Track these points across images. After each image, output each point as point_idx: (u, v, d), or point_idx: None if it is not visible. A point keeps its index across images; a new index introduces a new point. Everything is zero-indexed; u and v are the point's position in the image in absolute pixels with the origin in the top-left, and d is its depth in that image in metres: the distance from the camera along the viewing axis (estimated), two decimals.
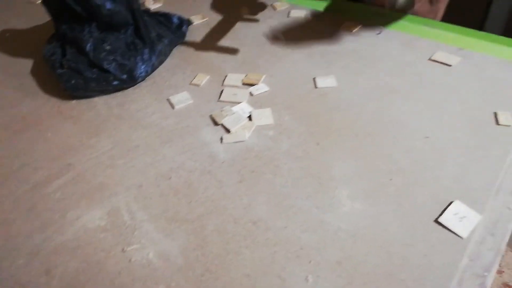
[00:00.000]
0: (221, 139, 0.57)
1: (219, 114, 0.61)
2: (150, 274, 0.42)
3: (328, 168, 0.52)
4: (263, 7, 0.86)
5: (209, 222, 0.47)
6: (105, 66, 0.63)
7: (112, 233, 0.46)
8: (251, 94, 0.65)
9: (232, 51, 0.74)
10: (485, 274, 0.44)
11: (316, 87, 0.65)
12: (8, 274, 0.43)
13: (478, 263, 0.44)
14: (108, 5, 0.63)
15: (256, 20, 0.82)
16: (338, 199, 0.48)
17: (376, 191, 0.49)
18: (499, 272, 1.37)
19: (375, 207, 0.47)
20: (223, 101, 0.64)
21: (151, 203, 0.49)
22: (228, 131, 0.58)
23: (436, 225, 0.45)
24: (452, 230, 0.44)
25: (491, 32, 0.76)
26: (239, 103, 0.63)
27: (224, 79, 0.68)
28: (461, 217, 0.45)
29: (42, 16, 0.86)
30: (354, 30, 0.76)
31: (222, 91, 0.65)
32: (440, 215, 0.46)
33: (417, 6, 0.83)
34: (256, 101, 0.63)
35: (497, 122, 0.57)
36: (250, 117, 0.60)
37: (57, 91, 0.67)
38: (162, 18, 0.77)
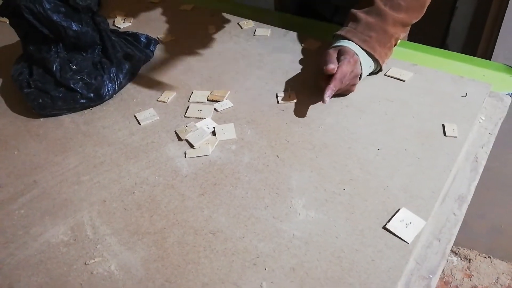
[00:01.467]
0: (185, 154, 0.59)
1: (184, 130, 0.63)
2: (111, 286, 0.44)
3: (286, 179, 0.55)
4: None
5: (170, 234, 0.49)
6: (72, 85, 0.65)
7: (75, 248, 0.48)
8: (216, 110, 0.67)
9: (198, 68, 0.76)
10: (430, 276, 0.47)
11: (278, 102, 0.68)
12: None
13: (424, 266, 0.48)
14: (74, 27, 0.65)
15: (223, 39, 0.85)
16: (294, 208, 0.51)
17: (330, 200, 0.52)
18: (469, 276, 1.42)
19: (328, 215, 0.50)
20: (189, 117, 0.66)
21: (114, 218, 0.51)
22: (192, 146, 0.60)
23: (384, 231, 0.48)
24: (398, 235, 0.48)
25: (452, 49, 0.81)
26: (204, 118, 0.65)
27: (190, 96, 0.70)
28: (407, 223, 0.49)
29: (11, 36, 0.87)
30: (314, 48, 0.80)
31: (188, 108, 0.68)
32: (388, 222, 0.49)
33: None
34: (221, 117, 0.66)
35: (444, 134, 0.61)
36: (214, 132, 0.63)
37: (25, 110, 0.68)
38: (131, 37, 0.79)
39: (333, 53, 0.66)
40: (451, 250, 1.50)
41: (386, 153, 0.58)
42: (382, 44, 0.68)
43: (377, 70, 0.72)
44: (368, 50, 0.67)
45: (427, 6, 0.72)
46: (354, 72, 0.66)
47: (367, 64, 0.68)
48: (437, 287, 1.40)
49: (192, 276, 0.44)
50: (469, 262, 1.46)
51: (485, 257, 1.46)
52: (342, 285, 0.43)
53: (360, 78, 0.68)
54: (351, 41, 0.67)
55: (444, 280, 1.42)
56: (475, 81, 0.70)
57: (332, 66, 0.62)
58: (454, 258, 1.48)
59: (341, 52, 0.66)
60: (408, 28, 0.76)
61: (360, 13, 0.69)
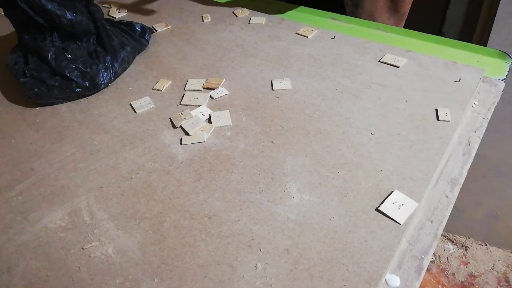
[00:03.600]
0: (181, 140, 0.60)
1: (179, 117, 0.63)
2: (108, 268, 0.45)
3: (281, 164, 0.55)
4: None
5: (166, 218, 0.50)
6: (67, 74, 0.65)
7: (73, 232, 0.48)
8: (211, 97, 0.68)
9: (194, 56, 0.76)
10: (422, 256, 0.48)
11: (272, 89, 0.68)
12: None
13: (416, 246, 0.48)
14: (69, 15, 0.65)
15: (218, 27, 0.85)
16: (288, 192, 0.52)
17: (324, 183, 0.52)
18: (465, 263, 1.43)
19: (321, 198, 0.51)
20: (184, 105, 0.66)
21: (111, 203, 0.52)
22: (187, 133, 0.61)
23: (377, 213, 0.49)
24: (391, 217, 0.48)
25: (448, 36, 0.81)
26: (199, 106, 0.66)
27: (186, 84, 0.71)
28: (399, 205, 0.49)
29: (5, 27, 0.87)
30: (310, 35, 0.80)
31: (183, 95, 0.68)
32: (381, 204, 0.50)
33: (381, 20, 0.87)
34: (216, 104, 0.66)
35: (437, 118, 0.61)
36: (209, 120, 0.63)
37: (21, 99, 0.68)
38: (126, 26, 0.79)
39: None
40: (448, 238, 1.51)
41: (380, 137, 0.58)
42: None
43: None
44: None
45: None
46: None
47: None
48: (434, 275, 1.41)
49: (188, 259, 0.45)
50: (466, 249, 1.47)
51: (481, 245, 1.47)
52: (336, 264, 0.44)
53: None
54: None
55: (441, 267, 1.43)
56: (468, 67, 0.70)
57: None
58: (451, 246, 1.49)
59: None
60: None
61: None
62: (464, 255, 1.46)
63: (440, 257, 1.46)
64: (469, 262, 1.44)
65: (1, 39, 0.87)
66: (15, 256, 0.46)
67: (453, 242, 1.50)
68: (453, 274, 1.41)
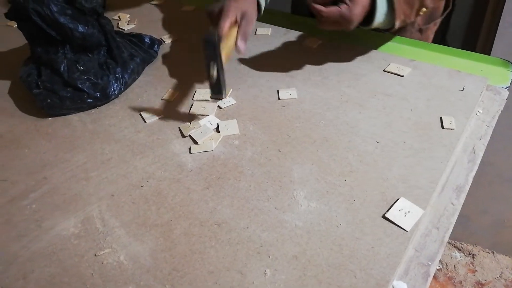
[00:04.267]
0: (190, 149, 0.61)
1: (188, 127, 0.65)
2: (120, 275, 0.46)
3: (288, 172, 0.56)
4: None
5: (177, 226, 0.51)
6: (79, 85, 0.67)
7: (86, 240, 0.50)
8: (219, 107, 0.69)
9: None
10: (429, 263, 0.48)
11: (279, 99, 0.70)
12: None
13: (423, 253, 0.49)
14: (81, 28, 0.67)
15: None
16: (296, 200, 0.53)
17: (331, 191, 0.53)
18: (472, 271, 1.43)
19: (329, 205, 0.51)
20: (193, 114, 0.68)
21: (122, 211, 0.53)
22: (196, 142, 0.62)
23: (383, 220, 0.50)
24: (397, 224, 0.49)
25: (452, 45, 0.82)
26: (207, 115, 0.67)
27: (194, 94, 0.72)
28: (405, 212, 0.50)
29: (18, 40, 0.89)
30: (315, 46, 0.82)
31: (192, 105, 0.70)
32: (387, 211, 0.50)
33: (407, 35, 0.87)
34: (224, 114, 0.68)
35: (442, 126, 0.62)
36: (217, 129, 0.65)
37: (34, 109, 0.70)
38: (135, 38, 0.81)
39: None
40: (455, 246, 1.51)
41: (385, 146, 0.59)
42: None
43: (389, 25, 0.68)
44: None
45: None
46: (348, 16, 0.63)
47: (382, 11, 0.65)
48: (441, 283, 1.41)
49: (199, 265, 0.46)
50: (473, 257, 1.47)
51: (489, 252, 1.47)
52: (343, 271, 0.45)
53: (371, 22, 0.66)
54: None
55: (448, 275, 1.43)
56: (472, 75, 0.71)
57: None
58: (458, 254, 1.49)
59: None
60: (441, 2, 0.72)
61: None
62: (471, 263, 1.45)
63: (447, 265, 1.45)
64: (477, 270, 1.43)
65: (13, 51, 0.89)
66: (30, 263, 0.48)
67: (460, 250, 1.50)
68: (461, 282, 1.41)
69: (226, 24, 0.65)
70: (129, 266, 0.46)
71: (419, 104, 0.66)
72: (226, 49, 0.64)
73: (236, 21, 0.68)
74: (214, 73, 0.60)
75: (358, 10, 0.63)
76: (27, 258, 0.48)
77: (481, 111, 0.68)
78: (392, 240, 0.47)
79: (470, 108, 0.65)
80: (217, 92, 0.62)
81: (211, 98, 0.64)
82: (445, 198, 0.55)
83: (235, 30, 0.68)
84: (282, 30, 0.88)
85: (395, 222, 0.49)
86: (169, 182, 0.56)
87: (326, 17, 0.64)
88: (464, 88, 0.69)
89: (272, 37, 0.86)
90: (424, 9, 0.71)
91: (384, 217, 0.50)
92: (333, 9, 0.63)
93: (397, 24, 0.67)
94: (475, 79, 0.70)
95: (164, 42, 0.87)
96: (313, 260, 0.46)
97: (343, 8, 0.63)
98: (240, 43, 0.66)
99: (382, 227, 0.49)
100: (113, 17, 0.98)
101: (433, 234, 0.51)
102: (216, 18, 0.68)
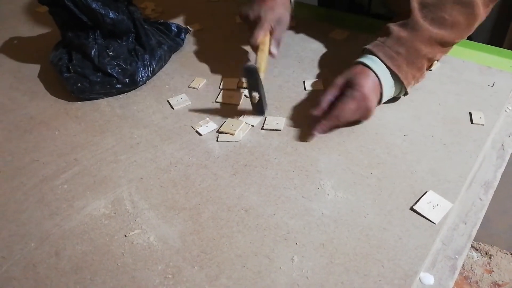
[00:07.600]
0: (217, 137, 0.62)
1: (216, 117, 0.65)
2: (150, 255, 0.47)
3: (315, 162, 0.57)
4: None
5: (205, 210, 0.51)
6: (109, 70, 0.68)
7: (116, 220, 0.51)
8: (246, 96, 0.69)
9: (228, 57, 0.78)
10: (456, 257, 0.48)
11: (305, 89, 0.70)
12: (21, 256, 0.47)
13: (450, 247, 0.49)
14: (111, 15, 0.68)
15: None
16: (322, 189, 0.53)
17: (358, 182, 0.53)
18: (489, 271, 1.41)
19: (356, 196, 0.52)
20: (220, 103, 0.68)
21: (151, 194, 0.54)
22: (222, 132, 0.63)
23: (412, 212, 0.50)
24: (425, 216, 0.49)
25: (478, 41, 0.80)
26: (235, 105, 0.68)
27: (221, 83, 0.72)
28: (434, 205, 0.50)
29: (47, 25, 0.91)
30: (341, 38, 0.81)
31: (218, 94, 0.70)
32: (415, 203, 0.50)
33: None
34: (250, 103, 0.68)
35: (471, 121, 0.61)
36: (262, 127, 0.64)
37: (63, 93, 0.72)
38: (162, 26, 0.82)
39: (337, 85, 0.60)
40: (472, 245, 1.49)
41: (413, 139, 0.59)
42: (410, 63, 0.59)
43: (402, 94, 0.64)
44: (392, 68, 0.59)
45: (476, 25, 0.62)
46: (362, 108, 0.58)
47: (389, 84, 0.60)
48: (457, 282, 1.40)
49: (227, 249, 0.47)
50: (490, 258, 1.45)
51: (506, 253, 1.45)
52: (371, 260, 0.45)
53: (380, 102, 0.61)
54: (376, 56, 0.60)
55: (464, 275, 1.41)
56: (502, 72, 0.70)
57: (318, 111, 0.59)
58: (475, 254, 1.47)
59: (350, 83, 0.59)
60: (449, 49, 0.66)
61: (393, 26, 0.61)
62: (488, 263, 1.44)
63: (463, 265, 1.44)
64: (493, 271, 1.41)
65: (42, 36, 0.91)
66: (62, 241, 0.49)
67: (477, 250, 1.48)
68: (477, 282, 1.39)
69: (260, 35, 0.67)
70: (158, 247, 0.47)
71: (448, 99, 0.65)
72: (262, 60, 0.66)
73: (270, 30, 0.70)
74: (257, 97, 0.62)
75: (368, 91, 0.58)
76: (60, 236, 0.50)
77: (510, 108, 0.67)
78: (421, 232, 0.47)
79: (500, 104, 0.64)
80: (260, 111, 0.65)
81: (253, 115, 0.65)
82: (473, 193, 0.55)
83: (268, 37, 0.70)
84: (308, 21, 0.87)
85: (424, 215, 0.49)
86: (197, 167, 0.57)
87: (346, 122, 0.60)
88: (494, 84, 0.68)
89: (298, 28, 0.86)
90: (435, 63, 0.67)
91: (412, 209, 0.50)
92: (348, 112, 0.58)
93: (409, 89, 0.62)
94: (505, 76, 0.69)
95: (191, 30, 0.87)
96: (340, 248, 0.46)
97: (352, 104, 0.58)
98: (274, 50, 0.69)
99: (410, 219, 0.49)
100: (140, 5, 0.99)
101: (461, 228, 0.51)
102: (251, 24, 0.70)
